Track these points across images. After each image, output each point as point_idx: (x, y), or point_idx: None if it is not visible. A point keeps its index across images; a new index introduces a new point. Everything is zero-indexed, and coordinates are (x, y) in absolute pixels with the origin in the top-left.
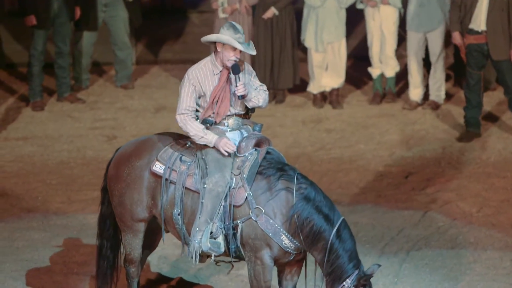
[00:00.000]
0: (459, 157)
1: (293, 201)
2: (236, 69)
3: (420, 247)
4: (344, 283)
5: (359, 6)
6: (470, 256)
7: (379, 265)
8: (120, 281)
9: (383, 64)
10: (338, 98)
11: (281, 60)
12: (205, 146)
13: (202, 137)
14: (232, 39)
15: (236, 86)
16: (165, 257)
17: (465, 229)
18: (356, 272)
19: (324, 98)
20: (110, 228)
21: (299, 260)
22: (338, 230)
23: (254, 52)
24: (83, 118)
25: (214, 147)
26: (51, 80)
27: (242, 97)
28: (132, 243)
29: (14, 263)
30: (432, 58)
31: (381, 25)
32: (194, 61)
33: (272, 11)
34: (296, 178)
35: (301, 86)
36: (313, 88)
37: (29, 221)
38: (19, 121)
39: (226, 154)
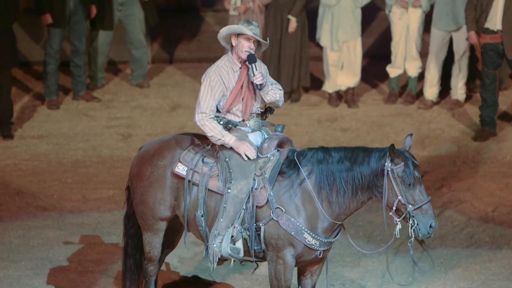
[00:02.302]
0: (475, 156)
1: (311, 189)
2: (252, 58)
3: (435, 246)
4: (385, 167)
5: (390, 1)
6: (485, 255)
7: (411, 134)
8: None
9: (406, 64)
10: (353, 97)
11: (290, 61)
12: (228, 148)
13: (220, 139)
14: (242, 27)
15: (254, 75)
16: (180, 255)
17: (481, 228)
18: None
19: (339, 97)
20: (134, 226)
21: (319, 260)
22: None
23: (266, 42)
24: (98, 116)
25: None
26: (66, 78)
27: (261, 86)
28: (152, 242)
29: (29, 261)
30: (456, 57)
31: (408, 25)
32: (209, 60)
33: (294, 22)
34: (300, 162)
35: (316, 85)
36: (329, 87)
37: (44, 219)
38: (34, 120)
39: (246, 158)
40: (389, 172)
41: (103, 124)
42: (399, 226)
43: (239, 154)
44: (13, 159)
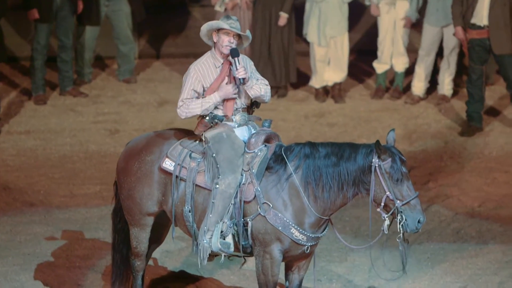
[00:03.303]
0: (461, 152)
1: (297, 184)
2: (235, 52)
3: (422, 241)
4: (372, 163)
5: (367, 2)
6: (472, 250)
7: (393, 129)
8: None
9: (393, 60)
10: (340, 92)
11: (278, 56)
12: (215, 143)
13: (208, 103)
14: (220, 22)
15: (237, 69)
16: (167, 250)
17: (467, 223)
18: (372, 148)
19: (326, 92)
20: (121, 221)
21: (307, 255)
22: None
23: (246, 34)
24: (85, 112)
25: (223, 144)
26: (53, 74)
27: (243, 81)
28: (139, 237)
29: (16, 256)
30: (446, 52)
31: (395, 21)
32: (196, 55)
33: (284, 17)
34: (287, 157)
35: (303, 80)
36: (316, 82)
37: (31, 215)
38: (21, 115)
39: (236, 95)
40: (377, 168)
41: (90, 119)
42: (387, 222)
43: (229, 149)
44: (0, 154)
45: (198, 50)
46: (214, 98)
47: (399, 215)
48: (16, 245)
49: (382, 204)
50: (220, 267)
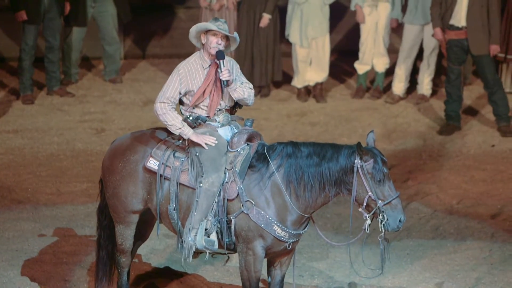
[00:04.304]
0: (440, 150)
1: (279, 182)
2: (220, 55)
3: (402, 238)
4: (355, 164)
5: (353, 7)
6: (450, 246)
7: (372, 130)
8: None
9: (374, 60)
10: (321, 92)
11: (263, 56)
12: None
13: (180, 128)
14: (208, 23)
15: (221, 71)
16: (153, 247)
17: (446, 220)
18: (355, 151)
19: (308, 92)
20: (107, 218)
21: (289, 252)
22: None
23: (233, 35)
24: (72, 111)
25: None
26: (41, 74)
27: (227, 83)
28: (124, 234)
29: (4, 253)
30: (426, 53)
31: (377, 22)
32: (181, 56)
33: (266, 18)
34: (270, 156)
35: (285, 80)
36: (298, 82)
37: (19, 212)
38: (9, 114)
39: (207, 147)
40: (359, 169)
41: (77, 118)
42: (368, 222)
43: (213, 149)
44: None
45: (182, 50)
46: (187, 131)
47: (380, 214)
48: (4, 242)
49: (364, 204)
50: (204, 263)
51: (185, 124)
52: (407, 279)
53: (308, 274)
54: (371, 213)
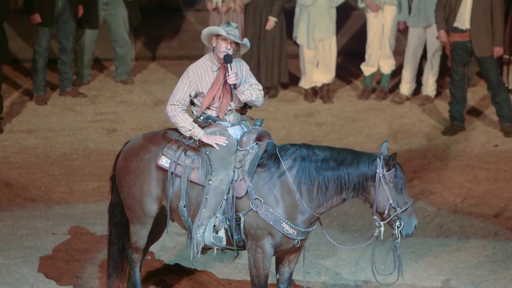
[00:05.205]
0: (444, 150)
1: (290, 182)
2: (228, 58)
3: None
4: (377, 173)
5: (361, 5)
6: (454, 244)
7: (386, 141)
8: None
9: (380, 62)
10: (328, 93)
11: (269, 58)
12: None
13: (190, 130)
14: (219, 28)
15: (228, 75)
16: (163, 245)
17: (450, 218)
18: (378, 159)
19: (315, 93)
20: (118, 216)
21: (297, 249)
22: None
23: (243, 42)
24: (84, 111)
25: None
26: (54, 75)
27: (234, 86)
28: (139, 234)
29: (18, 250)
30: (429, 54)
31: (383, 25)
32: (190, 57)
33: (272, 21)
34: (281, 156)
35: (293, 81)
36: (305, 83)
37: (32, 210)
38: (23, 115)
39: (218, 148)
40: (381, 178)
41: (88, 119)
42: (382, 229)
43: (222, 148)
44: (3, 152)
45: (192, 52)
46: (197, 133)
47: (397, 221)
48: (18, 239)
49: (386, 212)
50: (213, 260)
51: (196, 125)
52: (412, 276)
53: (315, 271)
54: (386, 221)
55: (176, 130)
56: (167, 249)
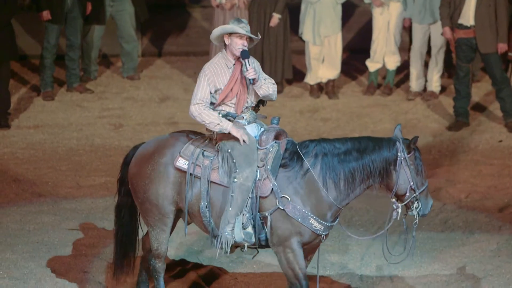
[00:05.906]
0: (449, 146)
1: (315, 179)
2: (245, 54)
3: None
4: (398, 156)
5: (366, 0)
6: (459, 239)
7: (399, 124)
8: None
9: (385, 58)
10: (333, 89)
11: (272, 54)
12: (228, 140)
13: (218, 124)
14: (234, 26)
15: (247, 70)
16: (170, 240)
17: (454, 213)
18: (397, 143)
19: (320, 89)
20: (126, 216)
21: (317, 246)
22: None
23: (258, 38)
24: (91, 107)
25: (237, 140)
26: (61, 71)
27: (253, 81)
28: (159, 238)
29: (25, 244)
30: (434, 50)
31: (388, 21)
32: (196, 54)
33: (276, 18)
34: (303, 154)
35: (298, 77)
36: (310, 79)
37: (40, 205)
38: (30, 110)
39: (243, 143)
40: (402, 161)
41: (95, 114)
42: (399, 210)
43: (238, 141)
44: (10, 148)
45: (198, 49)
46: (226, 125)
47: (416, 202)
48: (25, 234)
49: (407, 194)
50: (218, 255)
51: (223, 119)
52: (417, 271)
53: (320, 266)
54: (404, 202)
55: (186, 132)
56: (174, 244)
